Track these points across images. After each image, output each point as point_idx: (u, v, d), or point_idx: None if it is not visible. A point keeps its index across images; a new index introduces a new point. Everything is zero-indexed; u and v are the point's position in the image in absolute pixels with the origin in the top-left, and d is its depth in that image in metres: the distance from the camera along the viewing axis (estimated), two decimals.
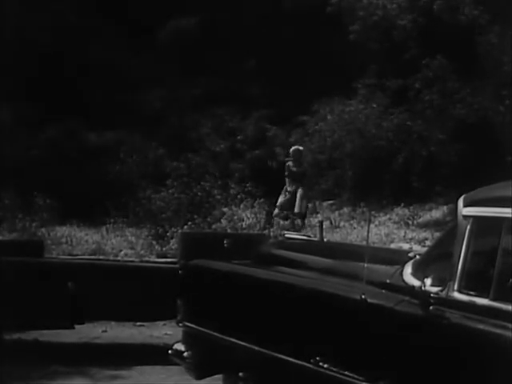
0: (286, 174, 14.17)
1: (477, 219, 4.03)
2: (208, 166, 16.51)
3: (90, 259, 10.84)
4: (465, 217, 4.09)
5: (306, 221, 14.33)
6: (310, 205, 15.36)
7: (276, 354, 4.85)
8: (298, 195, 13.83)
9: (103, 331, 9.11)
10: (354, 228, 14.81)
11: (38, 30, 19.39)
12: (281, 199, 14.02)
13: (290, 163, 14.22)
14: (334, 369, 4.47)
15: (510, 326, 3.65)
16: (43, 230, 13.89)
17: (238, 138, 19.69)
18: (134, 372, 7.55)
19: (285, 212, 13.72)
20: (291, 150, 14.53)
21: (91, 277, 8.26)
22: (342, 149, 17.75)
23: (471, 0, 17.42)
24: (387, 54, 18.59)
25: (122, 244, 13.22)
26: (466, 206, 4.13)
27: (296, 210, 13.76)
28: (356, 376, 4.35)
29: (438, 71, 16.21)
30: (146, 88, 20.37)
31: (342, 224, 15.63)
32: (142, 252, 12.30)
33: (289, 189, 14.00)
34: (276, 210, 13.94)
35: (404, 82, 17.30)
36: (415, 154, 16.28)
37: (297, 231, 12.25)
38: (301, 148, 14.69)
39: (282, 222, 13.52)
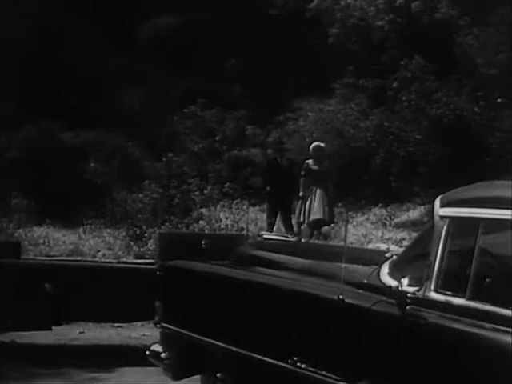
0: (303, 173, 12.53)
1: (453, 219, 4.05)
2: (186, 167, 16.47)
3: (68, 260, 10.78)
4: (441, 217, 4.11)
5: (334, 228, 12.86)
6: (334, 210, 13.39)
7: (254, 355, 4.85)
8: (319, 198, 12.29)
9: (81, 332, 9.06)
10: (332, 228, 14.82)
11: (15, 29, 19.26)
12: (300, 204, 12.46)
13: (309, 161, 12.60)
14: (312, 369, 4.48)
15: (486, 325, 3.68)
16: (20, 230, 13.81)
17: (217, 138, 19.68)
18: (113, 373, 7.51)
19: (308, 219, 12.24)
20: (311, 146, 12.92)
21: (69, 278, 8.21)
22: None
23: (449, 1, 17.54)
24: (366, 55, 18.68)
25: (99, 245, 13.16)
26: (442, 206, 4.15)
27: (318, 215, 12.24)
28: (333, 376, 4.36)
29: (415, 72, 16.29)
30: (125, 88, 20.31)
31: None
32: (120, 253, 12.25)
33: (301, 193, 12.43)
34: (298, 218, 12.47)
35: (382, 83, 17.39)
36: (393, 154, 16.35)
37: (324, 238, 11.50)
38: (322, 144, 13.07)
39: (304, 231, 12.23)
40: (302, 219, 12.44)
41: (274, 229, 12.57)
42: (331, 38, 18.79)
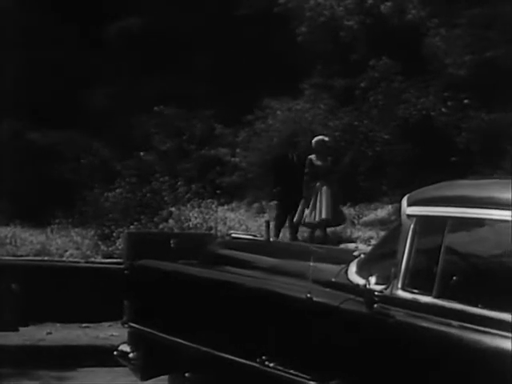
0: (306, 170, 11.69)
1: (420, 218, 4.08)
2: (156, 166, 16.42)
3: (35, 260, 10.70)
4: (409, 216, 4.14)
5: (344, 230, 12.33)
6: (343, 208, 12.74)
7: (222, 354, 4.84)
8: (324, 196, 11.50)
9: (48, 333, 8.97)
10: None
11: None
12: (302, 204, 11.65)
13: (312, 157, 11.74)
14: (281, 368, 4.48)
15: (452, 322, 3.71)
16: None
17: (186, 137, 19.65)
18: (81, 374, 7.47)
19: (313, 220, 11.46)
20: (314, 140, 12.03)
21: (36, 278, 8.16)
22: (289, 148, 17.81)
23: (418, 2, 17.68)
24: (334, 55, 18.76)
25: (67, 244, 13.06)
26: (409, 205, 4.18)
27: (323, 215, 11.41)
28: (302, 375, 4.37)
29: (383, 72, 16.40)
30: (93, 88, 20.20)
31: (288, 223, 15.66)
32: (88, 252, 12.17)
33: (304, 193, 11.68)
34: (298, 217, 11.71)
35: (351, 82, 17.47)
36: (361, 154, 16.43)
37: (322, 242, 10.72)
38: (326, 138, 12.17)
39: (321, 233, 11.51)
40: (296, 220, 11.74)
41: (281, 235, 11.96)
42: (300, 36, 18.84)
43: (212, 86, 19.95)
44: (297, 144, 13.47)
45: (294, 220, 11.86)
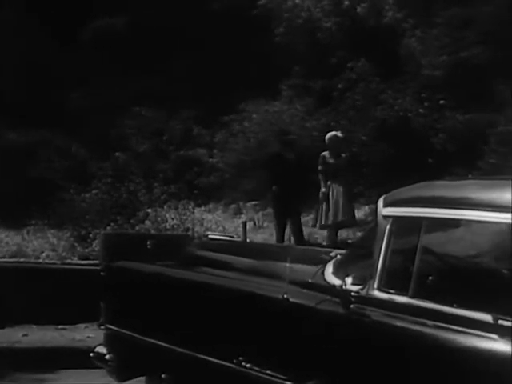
0: (320, 168, 11.15)
1: (396, 219, 4.09)
2: (132, 167, 16.35)
3: (10, 262, 10.62)
4: (385, 217, 4.15)
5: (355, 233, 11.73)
6: (355, 209, 12.02)
7: (199, 355, 4.84)
8: (339, 196, 10.94)
9: (24, 335, 8.91)
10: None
11: None
12: (324, 204, 11.02)
13: (325, 153, 11.20)
14: (257, 369, 4.48)
15: (428, 322, 3.73)
16: None
17: (164, 138, 19.59)
18: (57, 376, 7.44)
19: (326, 221, 10.92)
20: (327, 136, 11.44)
21: (11, 279, 8.11)
22: (266, 149, 17.82)
23: (394, 3, 17.76)
24: (312, 56, 18.80)
25: (43, 246, 12.97)
26: (385, 206, 4.19)
27: (339, 216, 10.86)
28: (279, 375, 4.37)
29: (361, 73, 16.46)
30: (71, 87, 20.09)
31: (265, 224, 15.67)
32: (64, 254, 12.09)
33: (323, 189, 11.07)
34: (326, 220, 11.04)
35: (328, 83, 17.50)
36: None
37: (333, 243, 10.29)
38: (339, 134, 11.51)
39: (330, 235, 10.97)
40: (323, 221, 11.03)
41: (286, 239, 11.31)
42: (278, 37, 18.86)
43: (190, 87, 19.92)
44: (292, 141, 12.74)
45: (318, 224, 11.26)
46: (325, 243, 11.22)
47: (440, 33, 16.74)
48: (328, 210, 10.98)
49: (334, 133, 11.57)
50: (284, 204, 11.35)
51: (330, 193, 11.01)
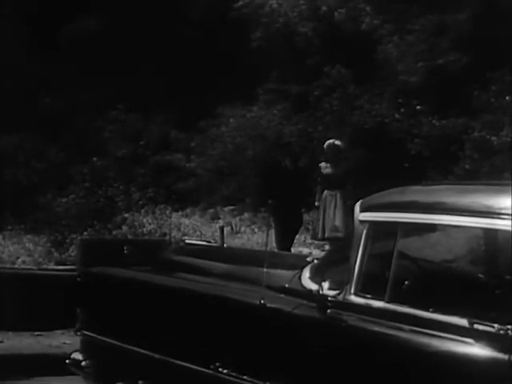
0: (319, 179, 10.58)
1: (373, 224, 4.11)
2: (110, 171, 16.29)
3: None
4: (361, 222, 4.17)
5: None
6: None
7: (176, 361, 4.82)
8: (336, 208, 10.23)
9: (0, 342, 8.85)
10: (255, 233, 14.88)
11: None
12: (321, 215, 10.37)
13: (322, 164, 10.56)
14: (234, 374, 4.48)
15: (404, 327, 3.75)
16: None
17: (141, 142, 19.54)
18: (33, 382, 7.37)
19: (323, 235, 10.33)
20: (325, 145, 10.73)
21: None
22: (244, 154, 17.84)
23: (371, 9, 17.85)
24: (289, 61, 18.85)
25: (19, 251, 12.90)
26: (362, 211, 4.21)
27: (338, 232, 10.06)
28: (256, 381, 4.37)
29: (337, 79, 16.52)
30: (48, 91, 19.99)
31: (242, 229, 15.69)
32: (40, 259, 12.03)
33: (317, 203, 10.50)
34: (322, 233, 10.40)
35: (305, 88, 17.56)
36: (315, 160, 16.49)
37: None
38: (337, 142, 10.70)
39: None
40: (320, 236, 10.46)
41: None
42: (255, 42, 18.89)
43: (166, 91, 19.90)
44: (289, 148, 12.38)
45: (318, 236, 10.69)
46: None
47: (416, 39, 16.85)
48: (324, 223, 10.38)
49: (331, 141, 10.86)
50: (285, 216, 10.47)
51: (329, 205, 10.36)
